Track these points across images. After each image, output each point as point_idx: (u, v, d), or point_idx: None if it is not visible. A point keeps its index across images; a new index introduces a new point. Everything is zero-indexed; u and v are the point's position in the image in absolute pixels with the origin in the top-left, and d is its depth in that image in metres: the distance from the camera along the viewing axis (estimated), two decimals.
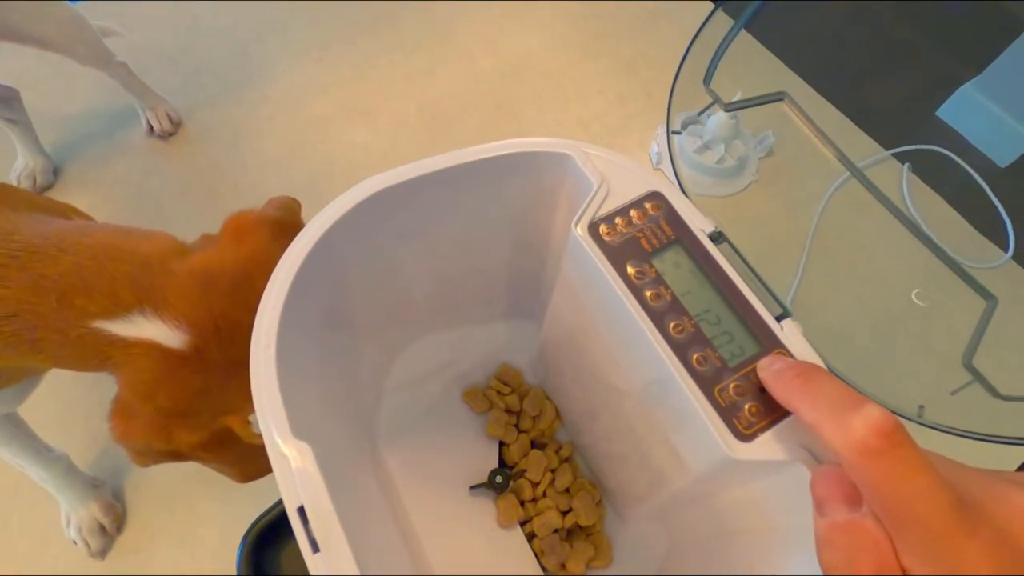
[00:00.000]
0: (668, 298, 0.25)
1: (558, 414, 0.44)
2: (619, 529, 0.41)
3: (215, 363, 0.33)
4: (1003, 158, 0.72)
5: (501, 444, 0.44)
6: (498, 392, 0.45)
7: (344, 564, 0.20)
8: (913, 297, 0.60)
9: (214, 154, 0.75)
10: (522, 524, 0.41)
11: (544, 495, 0.41)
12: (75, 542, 0.54)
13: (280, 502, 0.53)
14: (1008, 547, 0.18)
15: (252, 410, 0.36)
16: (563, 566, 0.39)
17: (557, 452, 0.44)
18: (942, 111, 0.77)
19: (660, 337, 0.24)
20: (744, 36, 0.60)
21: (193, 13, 0.85)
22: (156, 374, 0.32)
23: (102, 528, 0.54)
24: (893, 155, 0.76)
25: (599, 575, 0.40)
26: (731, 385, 0.23)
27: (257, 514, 0.52)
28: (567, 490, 0.42)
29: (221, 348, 0.33)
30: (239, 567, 0.51)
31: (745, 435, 0.22)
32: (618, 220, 0.26)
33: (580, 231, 0.26)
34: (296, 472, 0.22)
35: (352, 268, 0.32)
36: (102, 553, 0.55)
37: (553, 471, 0.42)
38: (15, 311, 0.31)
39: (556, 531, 0.40)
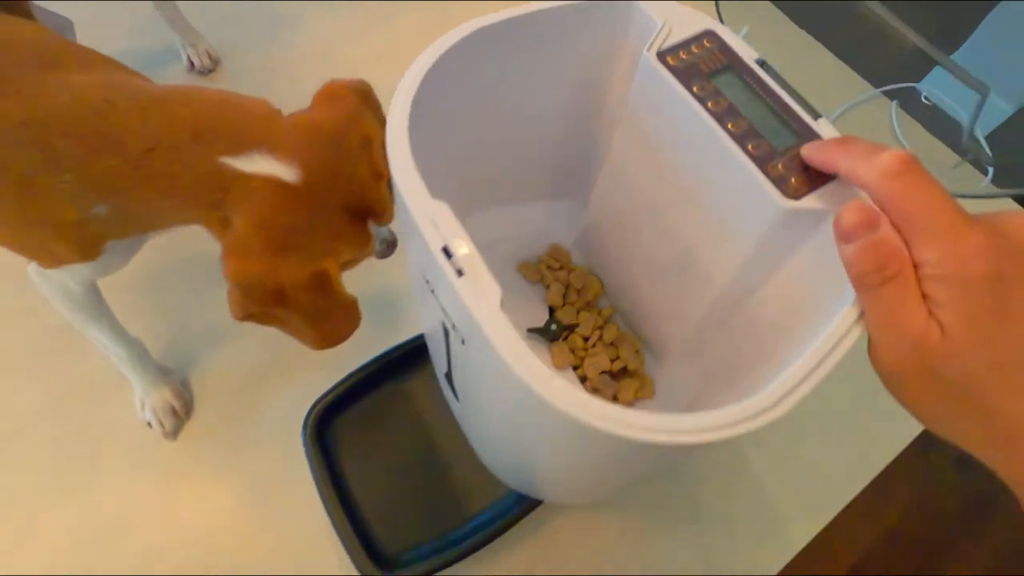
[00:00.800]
0: (725, 105, 0.31)
1: (602, 286, 0.50)
2: (657, 372, 0.46)
3: (319, 202, 0.38)
4: (982, 129, 0.78)
5: (551, 311, 0.50)
6: (549, 267, 0.50)
7: (483, 280, 0.26)
8: None
9: (250, 91, 0.80)
10: (573, 369, 0.47)
11: (593, 346, 0.47)
12: (149, 423, 0.58)
13: (335, 386, 0.58)
14: (1003, 237, 0.23)
15: (344, 255, 0.41)
16: (615, 398, 0.45)
17: (600, 314, 0.49)
18: (923, 84, 0.83)
19: (722, 132, 0.30)
20: None
21: None
22: (272, 205, 0.37)
23: (173, 410, 0.59)
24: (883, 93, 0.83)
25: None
26: (780, 163, 0.29)
27: (311, 403, 0.57)
28: (612, 343, 0.48)
29: (324, 189, 0.38)
30: (304, 436, 0.56)
31: (794, 194, 0.28)
32: (681, 52, 0.32)
33: (651, 55, 0.32)
34: (438, 219, 0.27)
35: (437, 122, 0.37)
36: (174, 433, 0.59)
37: (600, 328, 0.48)
38: (155, 144, 0.36)
39: (604, 373, 0.46)
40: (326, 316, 0.43)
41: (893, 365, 0.25)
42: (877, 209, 0.25)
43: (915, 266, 0.24)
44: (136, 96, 0.37)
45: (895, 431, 0.65)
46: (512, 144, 0.40)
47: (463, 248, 0.26)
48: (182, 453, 0.59)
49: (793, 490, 0.62)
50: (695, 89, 0.31)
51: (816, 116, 0.30)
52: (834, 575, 0.60)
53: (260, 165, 0.37)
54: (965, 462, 0.42)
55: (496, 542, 0.55)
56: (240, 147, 0.37)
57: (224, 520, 0.56)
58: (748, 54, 0.32)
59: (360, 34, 0.85)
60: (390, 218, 0.42)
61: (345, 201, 0.39)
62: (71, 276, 0.46)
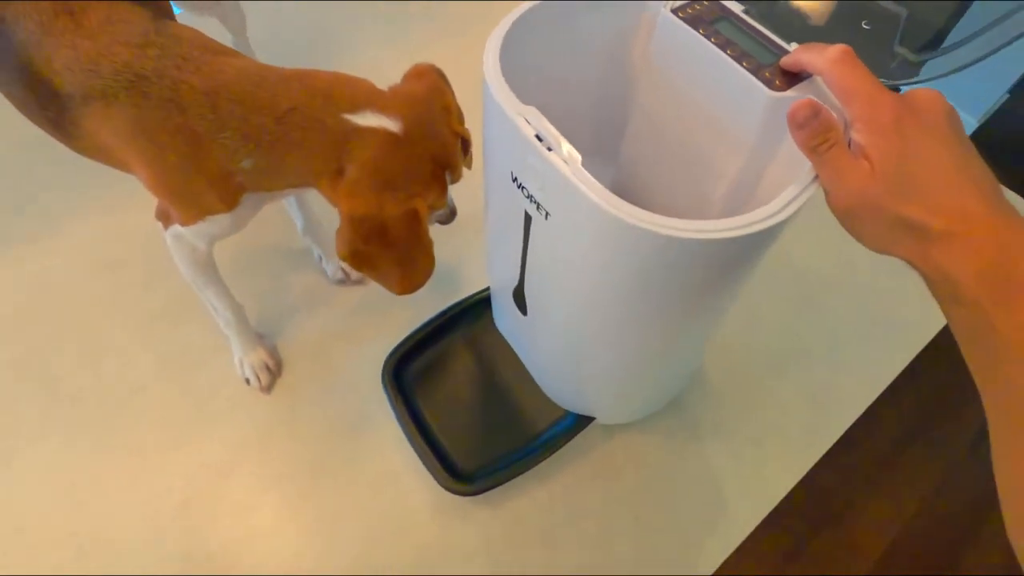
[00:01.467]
0: (723, 40, 0.43)
1: None
2: None
3: (415, 150, 0.49)
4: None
5: None
6: None
7: (567, 149, 0.37)
8: None
9: None
10: None
11: None
12: (247, 380, 0.68)
13: (408, 337, 0.68)
14: (904, 99, 0.34)
15: (431, 197, 0.52)
16: None
17: None
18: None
19: (724, 55, 0.42)
20: None
21: (278, 7, 1.05)
22: (381, 150, 0.48)
23: (268, 368, 0.68)
24: None
25: None
26: (766, 72, 0.41)
27: (383, 360, 0.66)
28: None
29: (419, 140, 0.49)
30: (383, 379, 0.65)
31: (778, 89, 0.40)
32: (687, 8, 0.45)
33: (668, 12, 0.44)
34: (528, 116, 0.38)
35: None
36: (269, 388, 0.68)
37: None
38: (296, 105, 0.47)
39: None
40: (412, 259, 0.52)
41: (844, 204, 0.34)
42: (818, 103, 0.35)
43: (847, 126, 0.34)
44: (280, 71, 0.49)
45: (889, 358, 0.75)
46: (558, 106, 0.50)
47: (551, 129, 0.37)
48: (277, 404, 0.68)
49: (810, 407, 0.71)
50: (700, 31, 0.43)
51: (788, 43, 0.42)
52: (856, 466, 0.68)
53: (372, 120, 0.48)
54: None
55: (556, 461, 0.63)
56: (357, 107, 0.48)
57: (318, 457, 0.65)
58: (736, 6, 0.45)
59: (399, 62, 0.98)
60: (459, 175, 0.53)
61: (432, 152, 0.50)
62: (203, 233, 0.56)
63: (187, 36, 0.50)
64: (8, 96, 0.54)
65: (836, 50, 0.35)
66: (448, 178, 0.52)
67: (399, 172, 0.48)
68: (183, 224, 0.55)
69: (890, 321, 0.77)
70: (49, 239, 0.77)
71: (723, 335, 0.74)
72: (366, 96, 0.49)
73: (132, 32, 0.48)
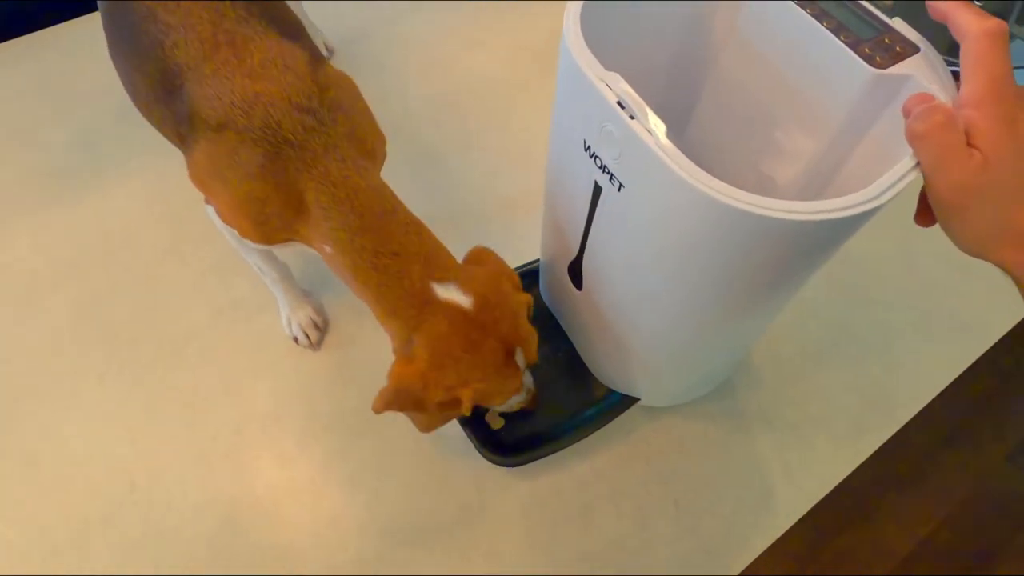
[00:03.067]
0: (819, 11, 0.40)
1: None
2: None
3: (482, 329, 0.47)
4: None
5: None
6: None
7: (652, 119, 0.35)
8: None
9: (362, 78, 0.92)
10: None
11: None
12: (295, 338, 0.68)
13: None
14: None
15: (486, 383, 0.49)
16: None
17: None
18: None
19: (820, 26, 0.39)
20: None
21: None
22: (452, 325, 0.47)
23: (315, 325, 0.69)
24: None
25: None
26: (866, 47, 0.38)
27: None
28: None
29: (487, 318, 0.47)
30: None
31: (879, 66, 0.37)
32: None
33: None
34: (610, 81, 0.37)
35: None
36: (317, 344, 0.69)
37: None
38: (400, 252, 0.47)
39: None
40: (442, 421, 0.53)
41: (949, 196, 0.31)
42: (932, 94, 0.33)
43: (961, 107, 0.31)
44: (407, 213, 0.50)
45: (948, 355, 0.72)
46: (632, 74, 0.48)
47: (635, 97, 0.36)
48: (323, 360, 0.69)
49: (860, 403, 0.69)
50: (796, 2, 0.41)
51: (891, 17, 0.40)
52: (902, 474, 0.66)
53: (452, 294, 0.47)
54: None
55: (598, 439, 0.63)
56: (445, 279, 0.48)
57: (363, 414, 0.65)
58: None
59: (454, 30, 0.97)
60: (533, 356, 0.51)
61: (502, 333, 0.48)
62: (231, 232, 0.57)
63: (345, 111, 0.50)
64: (141, 102, 0.56)
65: (995, 23, 0.32)
66: (520, 361, 0.50)
67: (460, 356, 0.47)
68: (225, 222, 0.55)
69: (951, 322, 0.74)
70: (115, 187, 0.79)
71: (772, 325, 0.72)
72: (450, 270, 0.49)
73: (298, 88, 0.48)
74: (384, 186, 0.50)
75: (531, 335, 0.51)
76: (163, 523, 0.59)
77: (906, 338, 0.73)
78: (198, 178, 0.52)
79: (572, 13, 0.40)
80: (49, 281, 0.72)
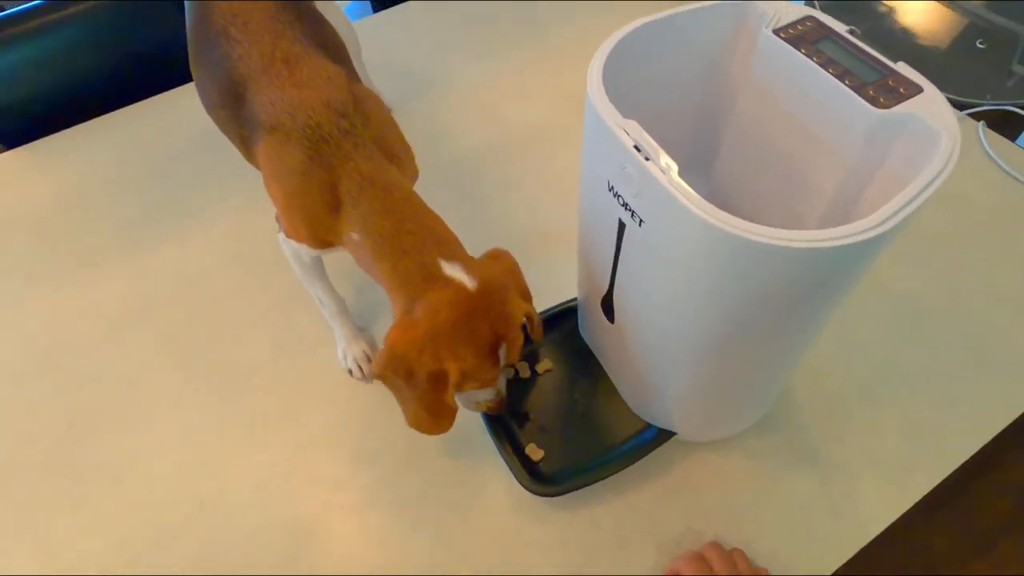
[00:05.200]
0: (825, 58, 0.43)
1: None
2: None
3: (478, 312, 0.52)
4: None
5: None
6: None
7: (664, 159, 0.39)
8: None
9: (415, 131, 1.00)
10: None
11: None
12: (350, 371, 0.74)
13: None
14: None
15: (477, 367, 0.53)
16: None
17: None
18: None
19: (826, 72, 0.42)
20: None
21: (392, 38, 1.14)
22: (452, 298, 0.52)
23: (368, 359, 0.74)
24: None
25: None
26: (870, 90, 0.41)
27: None
28: None
29: (485, 304, 0.52)
30: None
31: (883, 107, 0.40)
32: (789, 29, 0.46)
33: (769, 31, 0.45)
34: (628, 128, 0.41)
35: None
36: (370, 377, 0.74)
37: None
38: (415, 231, 0.55)
39: None
40: (428, 407, 0.55)
41: None
42: None
43: None
44: (424, 204, 0.58)
45: (1003, 397, 0.69)
46: (658, 119, 0.52)
47: (649, 140, 0.40)
48: (374, 393, 0.73)
49: (909, 443, 0.67)
50: (802, 51, 0.44)
51: (895, 62, 0.42)
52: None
53: (456, 272, 0.53)
54: None
55: (634, 472, 0.64)
56: (452, 258, 0.54)
57: (408, 444, 0.69)
58: (840, 27, 0.45)
59: (500, 80, 1.05)
60: (516, 356, 0.56)
61: (494, 323, 0.53)
62: (298, 248, 0.64)
63: (374, 121, 0.60)
64: (213, 108, 0.67)
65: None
66: (503, 355, 0.55)
67: (454, 329, 0.51)
68: (286, 235, 0.64)
69: (1005, 362, 0.72)
70: (189, 233, 0.89)
71: (812, 360, 0.72)
72: (457, 253, 0.55)
73: (336, 97, 0.58)
74: (405, 182, 0.58)
75: (518, 337, 0.55)
76: (227, 540, 0.63)
77: (958, 378, 0.71)
78: (265, 179, 0.61)
79: (596, 66, 0.45)
80: (135, 318, 0.81)
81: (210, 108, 0.68)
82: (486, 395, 0.60)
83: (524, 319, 0.56)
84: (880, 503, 0.63)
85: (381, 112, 0.64)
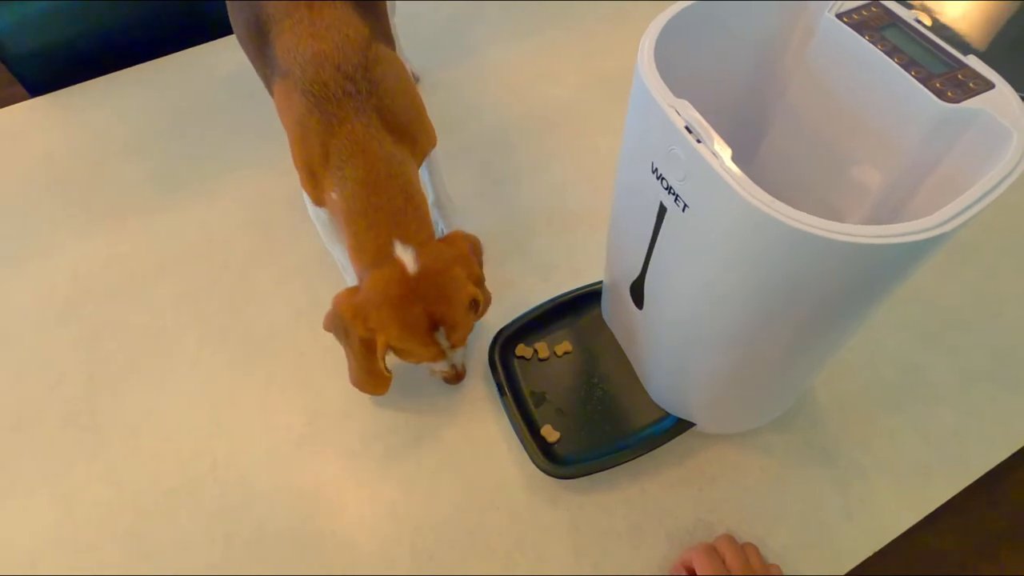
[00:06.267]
0: (891, 46, 0.41)
1: None
2: None
3: (413, 295, 0.56)
4: None
5: None
6: None
7: (718, 143, 0.37)
8: None
9: (442, 103, 0.98)
10: None
11: None
12: None
13: (516, 320, 0.70)
14: None
15: (397, 339, 0.57)
16: None
17: None
18: None
19: (891, 60, 0.40)
20: None
21: (419, 8, 1.12)
22: (392, 277, 0.56)
23: None
24: None
25: None
26: (937, 82, 0.39)
27: (489, 342, 0.69)
28: None
29: (422, 289, 0.56)
30: (490, 356, 0.69)
31: (951, 100, 0.38)
32: (853, 14, 0.44)
33: (832, 15, 0.43)
34: (679, 108, 0.39)
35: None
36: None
37: None
38: (384, 207, 0.57)
39: None
40: (364, 368, 0.60)
41: None
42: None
43: None
44: (411, 181, 0.59)
45: None
46: (703, 103, 0.50)
47: (702, 122, 0.38)
48: (391, 364, 0.72)
49: (930, 451, 0.66)
50: (866, 37, 0.42)
51: (966, 53, 0.40)
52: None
53: (406, 255, 0.57)
54: None
55: (650, 461, 0.63)
56: (407, 240, 0.57)
57: (425, 418, 0.69)
58: (908, 15, 0.43)
59: (530, 60, 1.03)
60: (459, 339, 0.60)
61: (431, 310, 0.57)
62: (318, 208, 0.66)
63: (384, 87, 0.59)
64: (243, 41, 0.68)
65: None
66: (442, 338, 0.58)
67: (386, 306, 0.56)
68: (305, 192, 0.64)
69: None
70: (218, 197, 0.88)
71: (837, 361, 0.71)
72: (418, 238, 0.57)
73: (350, 55, 0.58)
74: (398, 157, 0.59)
75: (458, 321, 0.58)
76: (237, 500, 0.63)
77: (983, 387, 0.70)
78: (280, 117, 0.63)
79: (648, 42, 0.43)
80: (155, 273, 0.80)
81: (241, 40, 0.69)
82: (441, 367, 0.65)
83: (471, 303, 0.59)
84: (896, 509, 0.62)
85: (395, 80, 0.62)
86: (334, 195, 0.58)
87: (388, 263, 0.56)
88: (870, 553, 0.60)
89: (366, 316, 0.56)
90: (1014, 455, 0.66)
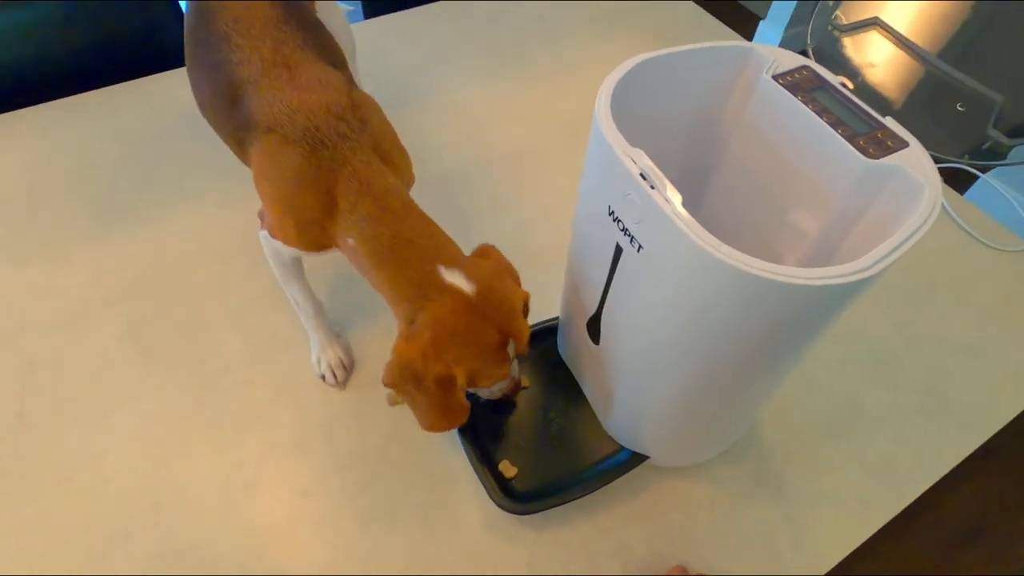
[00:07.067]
0: (821, 107, 0.46)
1: None
2: None
3: (480, 314, 0.53)
4: None
5: None
6: None
7: (669, 190, 0.40)
8: None
9: (404, 142, 1.00)
10: None
11: None
12: (323, 376, 0.72)
13: None
14: None
15: (487, 368, 0.55)
16: None
17: None
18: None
19: (821, 121, 0.45)
20: None
21: (382, 45, 1.14)
22: (451, 309, 0.52)
23: (343, 365, 0.73)
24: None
25: None
26: (861, 140, 0.44)
27: None
28: None
29: (487, 306, 0.53)
30: None
31: (872, 157, 0.42)
32: (787, 76, 0.48)
33: (768, 77, 0.48)
34: (634, 156, 0.42)
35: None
36: (343, 384, 0.72)
37: None
38: (414, 239, 0.55)
39: None
40: (442, 409, 0.56)
41: None
42: None
43: None
44: (420, 211, 0.58)
45: (955, 440, 0.73)
46: (654, 151, 0.54)
47: (656, 170, 0.41)
48: (347, 399, 0.72)
49: (868, 478, 0.70)
50: (799, 98, 0.47)
51: (884, 116, 0.45)
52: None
53: (456, 279, 0.54)
54: None
55: (605, 495, 0.65)
56: (452, 264, 0.54)
57: (381, 453, 0.68)
58: (834, 79, 0.48)
59: (491, 100, 1.06)
60: (524, 347, 0.57)
61: (499, 323, 0.54)
62: (280, 247, 0.64)
63: (372, 125, 0.60)
64: (208, 108, 0.66)
65: None
66: (512, 350, 0.56)
67: (457, 336, 0.53)
68: (270, 233, 0.63)
69: (957, 404, 0.76)
70: (170, 226, 0.86)
71: (781, 395, 0.75)
72: (456, 259, 0.55)
73: (335, 101, 0.58)
74: (402, 188, 0.58)
75: (524, 328, 0.56)
76: (183, 544, 0.61)
77: (913, 418, 0.75)
78: (256, 179, 0.61)
79: (605, 94, 0.46)
80: (100, 305, 0.77)
81: (204, 107, 0.67)
82: (501, 385, 0.61)
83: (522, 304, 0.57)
84: (838, 535, 0.65)
85: (379, 117, 0.64)
86: (351, 240, 0.56)
87: (442, 292, 0.53)
88: None
89: (440, 353, 0.52)
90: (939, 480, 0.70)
